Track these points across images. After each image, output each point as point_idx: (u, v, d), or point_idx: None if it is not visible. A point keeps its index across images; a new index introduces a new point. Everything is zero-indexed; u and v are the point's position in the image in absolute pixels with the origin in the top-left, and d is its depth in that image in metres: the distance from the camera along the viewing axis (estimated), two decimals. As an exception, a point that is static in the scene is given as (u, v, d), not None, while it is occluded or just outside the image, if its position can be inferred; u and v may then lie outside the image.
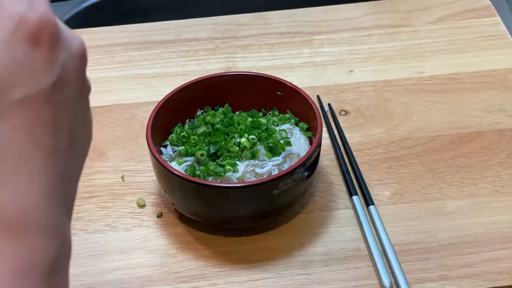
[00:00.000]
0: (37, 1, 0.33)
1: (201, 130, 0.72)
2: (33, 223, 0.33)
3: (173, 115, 0.75)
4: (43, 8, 0.33)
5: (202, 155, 0.70)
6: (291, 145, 0.71)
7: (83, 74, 0.36)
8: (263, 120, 0.74)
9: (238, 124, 0.73)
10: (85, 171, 0.83)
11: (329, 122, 0.84)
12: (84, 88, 0.37)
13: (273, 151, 0.70)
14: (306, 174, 0.69)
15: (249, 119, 0.74)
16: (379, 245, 0.70)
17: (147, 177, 0.78)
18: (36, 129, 0.33)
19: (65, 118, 0.35)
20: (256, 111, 0.76)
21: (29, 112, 0.33)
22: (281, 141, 0.71)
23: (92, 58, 0.94)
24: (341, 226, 0.72)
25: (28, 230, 0.33)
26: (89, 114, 0.38)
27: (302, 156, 0.69)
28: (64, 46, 0.34)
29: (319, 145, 0.70)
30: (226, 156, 0.70)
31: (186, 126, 0.75)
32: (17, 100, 0.32)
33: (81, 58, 0.35)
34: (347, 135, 0.82)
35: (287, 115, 0.76)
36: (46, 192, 0.34)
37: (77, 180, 0.37)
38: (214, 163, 0.69)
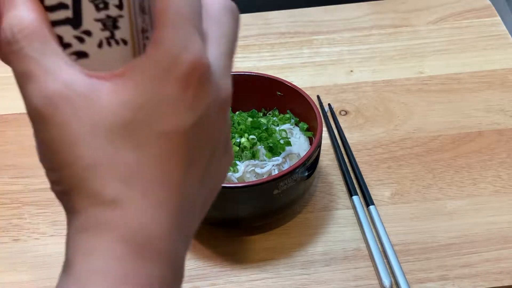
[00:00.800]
0: (194, 43, 0.34)
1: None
2: (155, 250, 0.34)
3: (173, 115, 0.75)
4: (197, 51, 0.34)
5: (202, 155, 0.70)
6: (291, 145, 0.71)
7: (224, 119, 0.37)
8: (263, 120, 0.74)
9: (238, 124, 0.73)
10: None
11: (329, 122, 0.84)
12: (223, 130, 0.38)
13: (273, 151, 0.70)
14: (306, 174, 0.69)
15: (249, 119, 0.74)
16: (379, 245, 0.70)
17: (147, 177, 0.78)
18: (170, 162, 0.34)
19: (200, 157, 0.36)
20: (256, 111, 0.76)
21: (167, 145, 0.34)
22: (281, 141, 0.71)
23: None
24: (341, 226, 0.72)
25: (150, 255, 0.34)
26: (228, 157, 0.39)
27: (302, 156, 0.69)
28: (212, 91, 0.35)
29: (319, 145, 0.70)
30: (226, 156, 0.70)
31: (186, 126, 0.75)
32: (158, 132, 0.34)
33: (226, 104, 0.36)
34: (347, 135, 0.82)
35: (287, 115, 0.76)
36: (170, 223, 0.35)
37: (201, 217, 0.38)
38: (214, 163, 0.69)
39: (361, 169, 0.78)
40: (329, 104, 0.87)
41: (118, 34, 0.36)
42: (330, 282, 0.67)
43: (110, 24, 0.36)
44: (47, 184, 0.76)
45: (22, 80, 0.37)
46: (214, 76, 0.35)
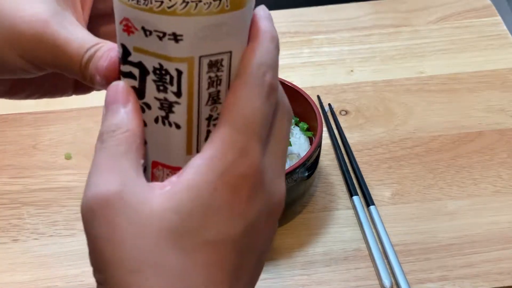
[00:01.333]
0: (252, 150, 0.34)
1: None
2: None
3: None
4: (254, 158, 0.34)
5: (202, 155, 0.70)
6: (291, 145, 0.71)
7: (274, 222, 0.36)
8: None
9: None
10: (85, 171, 0.83)
11: (329, 122, 0.84)
12: (272, 233, 0.37)
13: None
14: (306, 174, 0.68)
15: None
16: (379, 245, 0.69)
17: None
18: (215, 272, 0.34)
19: (247, 265, 0.35)
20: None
21: (213, 255, 0.33)
22: None
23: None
24: (341, 226, 0.72)
25: None
26: (266, 254, 0.38)
27: (302, 156, 0.69)
28: (263, 197, 0.34)
29: (319, 145, 0.70)
30: (226, 156, 0.69)
31: (186, 126, 0.75)
32: (206, 240, 0.33)
33: (277, 208, 0.36)
34: (347, 135, 0.82)
35: (287, 115, 0.76)
36: None
37: None
38: (214, 163, 0.69)
39: (361, 169, 0.78)
40: (329, 104, 0.87)
41: (172, 118, 0.37)
42: (330, 283, 0.67)
43: (167, 106, 0.36)
44: (46, 184, 0.77)
45: (92, 169, 0.39)
46: (267, 181, 0.34)
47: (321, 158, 0.74)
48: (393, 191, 0.75)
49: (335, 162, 0.79)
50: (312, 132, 0.74)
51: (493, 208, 0.73)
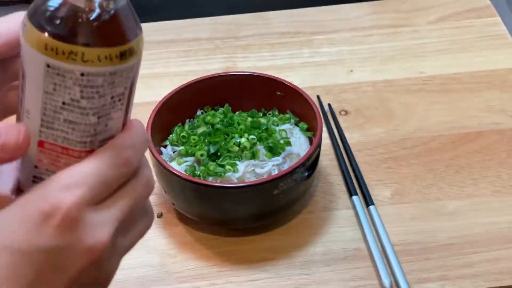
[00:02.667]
0: (75, 186, 0.39)
1: (201, 130, 0.72)
2: None
3: (173, 115, 0.75)
4: (71, 196, 0.39)
5: (202, 155, 0.70)
6: (291, 145, 0.71)
7: (90, 264, 0.41)
8: (263, 120, 0.74)
9: (238, 124, 0.72)
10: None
11: (329, 122, 0.84)
12: (90, 274, 0.41)
13: (273, 151, 0.70)
14: (306, 174, 0.68)
15: (249, 119, 0.74)
16: (379, 245, 0.69)
17: (147, 177, 0.78)
18: (12, 276, 0.39)
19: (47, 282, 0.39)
20: (256, 111, 0.76)
21: (8, 259, 0.39)
22: (281, 141, 0.71)
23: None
24: (341, 226, 0.72)
25: None
26: None
27: (302, 156, 0.69)
28: (74, 233, 0.39)
29: (319, 145, 0.70)
30: (226, 156, 0.70)
31: (186, 126, 0.75)
32: (4, 245, 0.39)
33: (92, 253, 0.40)
34: (347, 135, 0.82)
35: (287, 115, 0.76)
36: None
37: None
38: (214, 163, 0.69)
39: (361, 169, 0.78)
40: (329, 104, 0.87)
41: None
42: (330, 282, 0.67)
43: None
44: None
45: None
46: (85, 223, 0.39)
47: (321, 158, 0.74)
48: (393, 191, 0.76)
49: (335, 162, 0.79)
50: (312, 132, 0.74)
51: (492, 208, 0.73)
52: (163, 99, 0.74)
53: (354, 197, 0.74)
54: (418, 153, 0.80)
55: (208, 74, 0.78)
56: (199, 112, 0.77)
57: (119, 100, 0.47)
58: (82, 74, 0.42)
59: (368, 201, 0.74)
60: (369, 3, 1.04)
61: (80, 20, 0.41)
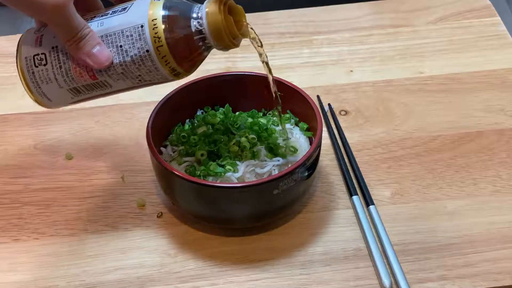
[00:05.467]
0: None
1: (201, 130, 0.72)
2: None
3: (173, 115, 0.75)
4: None
5: (202, 155, 0.70)
6: (297, 153, 0.71)
7: None
8: (263, 120, 0.74)
9: (238, 124, 0.73)
10: (85, 171, 0.83)
11: (329, 122, 0.84)
12: None
13: (274, 151, 0.71)
14: (306, 174, 0.69)
15: (249, 119, 0.74)
16: (379, 245, 0.70)
17: (147, 177, 0.78)
18: None
19: None
20: (256, 111, 0.76)
21: None
22: (285, 149, 0.71)
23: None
24: (341, 226, 0.72)
25: None
26: None
27: (302, 156, 0.69)
28: None
29: (319, 145, 0.70)
30: (226, 156, 0.70)
31: (186, 126, 0.75)
32: None
33: None
34: (347, 135, 0.82)
35: (287, 115, 0.76)
36: None
37: None
38: (214, 163, 0.69)
39: (361, 169, 0.78)
40: (329, 104, 0.87)
41: None
42: (330, 282, 0.67)
43: None
44: (47, 184, 0.77)
45: None
46: None
47: (321, 158, 0.75)
48: (393, 191, 0.76)
49: (335, 162, 0.79)
50: (312, 132, 0.74)
51: (492, 208, 0.73)
52: (163, 99, 0.74)
53: (354, 197, 0.74)
54: (418, 153, 0.80)
55: (208, 74, 0.78)
56: (199, 112, 0.77)
57: (140, 80, 0.62)
58: (147, 51, 0.58)
59: (368, 201, 0.74)
60: (369, 3, 1.04)
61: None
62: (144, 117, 0.84)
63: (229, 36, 0.60)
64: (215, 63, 0.94)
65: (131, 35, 0.58)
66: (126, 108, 0.87)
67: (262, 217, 0.71)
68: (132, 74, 0.60)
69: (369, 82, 0.90)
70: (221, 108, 0.77)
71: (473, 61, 0.93)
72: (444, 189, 0.76)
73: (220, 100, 0.78)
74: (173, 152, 0.73)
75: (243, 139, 0.70)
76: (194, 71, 0.62)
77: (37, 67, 0.61)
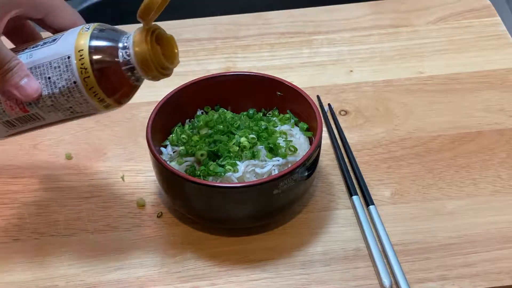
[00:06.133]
0: None
1: (203, 132, 0.72)
2: None
3: (173, 115, 0.75)
4: None
5: (202, 155, 0.70)
6: (297, 152, 0.71)
7: None
8: (263, 122, 0.74)
9: (238, 124, 0.73)
10: (85, 171, 0.83)
11: (329, 122, 0.84)
12: None
13: (274, 151, 0.70)
14: (306, 174, 0.69)
15: (249, 119, 0.74)
16: (379, 245, 0.70)
17: (147, 177, 0.78)
18: None
19: None
20: (256, 111, 0.76)
21: None
22: (286, 149, 0.71)
23: (92, 58, 0.94)
24: (341, 226, 0.72)
25: None
26: None
27: (302, 156, 0.69)
28: None
29: (319, 145, 0.70)
30: (226, 156, 0.70)
31: (186, 126, 0.75)
32: None
33: None
34: (347, 135, 0.82)
35: (287, 115, 0.76)
36: None
37: None
38: (214, 163, 0.69)
39: (361, 169, 0.78)
40: (329, 104, 0.87)
41: None
42: (330, 282, 0.67)
43: None
44: (47, 184, 0.77)
45: None
46: None
47: (321, 158, 0.75)
48: (393, 191, 0.76)
49: (335, 162, 0.79)
50: (311, 132, 0.74)
51: (492, 208, 0.73)
52: (163, 99, 0.74)
53: (354, 197, 0.74)
54: (418, 153, 0.80)
55: (208, 74, 0.78)
56: (199, 112, 0.77)
57: (71, 112, 0.61)
58: (75, 83, 0.57)
59: (368, 201, 0.74)
60: (369, 3, 1.04)
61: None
62: (144, 117, 0.84)
63: (157, 67, 0.59)
64: (215, 63, 0.94)
65: (59, 67, 0.57)
66: (126, 108, 0.87)
67: (262, 217, 0.71)
68: (63, 106, 0.59)
69: (369, 82, 0.90)
70: (221, 108, 0.77)
71: (473, 61, 0.93)
72: (444, 189, 0.76)
73: (220, 100, 0.78)
74: (173, 152, 0.73)
75: (243, 139, 0.70)
76: (126, 102, 0.61)
77: None
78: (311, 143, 0.73)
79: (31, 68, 0.58)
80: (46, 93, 0.58)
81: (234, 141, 0.70)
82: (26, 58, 0.59)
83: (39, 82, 0.58)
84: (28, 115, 0.60)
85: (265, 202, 0.68)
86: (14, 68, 0.58)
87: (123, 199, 0.76)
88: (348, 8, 1.03)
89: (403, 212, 0.73)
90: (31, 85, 0.58)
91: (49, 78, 0.57)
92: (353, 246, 0.70)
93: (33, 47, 0.60)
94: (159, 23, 1.00)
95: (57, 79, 0.57)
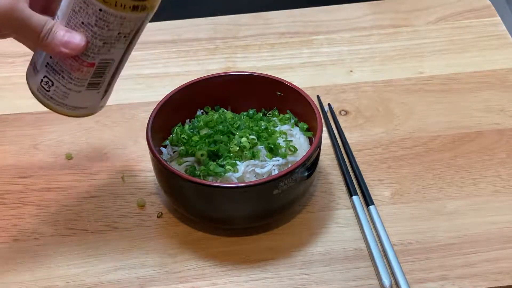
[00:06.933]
0: None
1: (203, 132, 0.72)
2: None
3: (173, 115, 0.75)
4: None
5: (202, 155, 0.70)
6: (297, 152, 0.71)
7: None
8: (263, 122, 0.74)
9: (238, 124, 0.73)
10: (85, 171, 0.83)
11: (329, 122, 0.84)
12: None
13: (274, 151, 0.70)
14: (306, 174, 0.69)
15: (249, 119, 0.74)
16: (379, 245, 0.70)
17: (147, 177, 0.78)
18: None
19: None
20: (256, 111, 0.76)
21: None
22: (282, 144, 0.71)
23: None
24: (341, 226, 0.72)
25: None
26: None
27: (302, 156, 0.69)
28: None
29: (319, 145, 0.70)
30: (226, 156, 0.70)
31: (186, 126, 0.75)
32: None
33: None
34: (347, 135, 0.82)
35: (287, 115, 0.76)
36: None
37: None
38: (214, 163, 0.69)
39: (361, 169, 0.78)
40: (329, 104, 0.87)
41: None
42: (330, 282, 0.67)
43: None
44: (47, 184, 0.77)
45: None
46: None
47: (321, 158, 0.75)
48: (393, 191, 0.76)
49: (335, 162, 0.79)
50: (312, 132, 0.74)
51: (492, 208, 0.73)
52: (163, 99, 0.74)
53: (354, 197, 0.74)
54: (418, 153, 0.80)
55: (208, 74, 0.78)
56: (199, 112, 0.77)
57: (124, 37, 0.61)
58: (100, 10, 0.58)
59: (368, 201, 0.74)
60: (369, 3, 1.04)
61: None
62: (144, 117, 0.84)
63: None
64: (215, 63, 0.94)
65: (80, 7, 0.59)
66: (126, 108, 0.87)
67: (262, 217, 0.71)
68: (113, 37, 0.60)
69: (369, 82, 0.90)
70: (221, 108, 0.77)
71: (473, 61, 0.93)
72: (444, 189, 0.76)
73: (220, 100, 0.78)
74: (173, 152, 0.73)
75: (243, 139, 0.70)
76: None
77: (49, 91, 0.62)
78: (311, 143, 0.73)
79: (65, 25, 0.60)
80: (91, 36, 0.59)
81: (234, 141, 0.70)
82: (56, 20, 0.61)
83: (79, 31, 0.59)
84: (97, 66, 0.62)
85: (265, 202, 0.68)
86: (52, 29, 0.59)
87: (123, 199, 0.76)
88: (348, 8, 1.03)
89: (403, 212, 0.73)
90: (74, 37, 0.59)
91: (82, 23, 0.59)
92: (353, 246, 0.70)
93: (56, 9, 0.62)
94: (159, 23, 1.00)
95: (88, 18, 0.59)
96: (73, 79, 0.62)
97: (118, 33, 0.60)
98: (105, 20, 0.59)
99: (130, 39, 0.62)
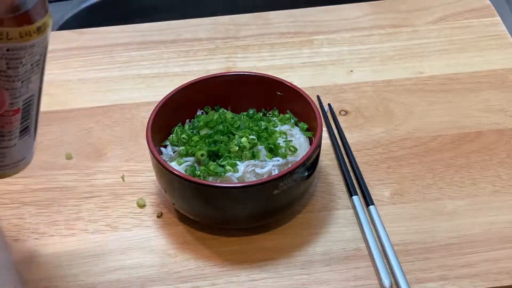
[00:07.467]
0: None
1: (203, 132, 0.72)
2: None
3: (173, 115, 0.75)
4: None
5: (202, 155, 0.70)
6: (297, 152, 0.71)
7: None
8: (263, 122, 0.74)
9: (238, 124, 0.73)
10: (85, 171, 0.83)
11: (329, 122, 0.84)
12: None
13: (274, 151, 0.71)
14: (306, 174, 0.69)
15: (249, 119, 0.74)
16: (379, 245, 0.70)
17: (147, 177, 0.78)
18: None
19: None
20: (256, 111, 0.76)
21: None
22: (286, 149, 0.71)
23: (92, 58, 0.94)
24: (341, 226, 0.72)
25: None
26: None
27: (302, 156, 0.69)
28: None
29: (319, 145, 0.70)
30: (226, 156, 0.70)
31: (186, 126, 0.75)
32: None
33: None
34: (347, 135, 0.82)
35: (287, 115, 0.76)
36: None
37: None
38: (214, 163, 0.69)
39: (361, 169, 0.78)
40: (329, 104, 0.87)
41: None
42: (330, 282, 0.67)
43: None
44: (47, 184, 0.77)
45: None
46: None
47: (321, 158, 0.75)
48: (393, 191, 0.76)
49: (335, 162, 0.79)
50: (311, 132, 0.74)
51: (492, 208, 0.73)
52: (163, 99, 0.74)
53: (354, 197, 0.74)
54: (418, 153, 0.80)
55: (208, 74, 0.78)
56: (199, 112, 0.77)
57: (37, 65, 0.54)
58: (8, 50, 0.50)
59: (368, 201, 0.74)
60: (369, 3, 1.04)
61: (4, 9, 0.49)
62: (144, 117, 0.85)
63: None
64: (215, 63, 0.94)
65: None
66: (126, 108, 0.87)
67: (262, 217, 0.71)
68: (28, 72, 0.54)
69: (369, 82, 0.90)
70: (221, 108, 0.77)
71: (473, 61, 0.93)
72: (444, 189, 0.76)
73: (220, 100, 0.78)
74: (173, 152, 0.73)
75: (243, 139, 0.70)
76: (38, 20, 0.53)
77: None
78: (311, 143, 0.73)
79: None
80: (7, 82, 0.53)
81: (234, 141, 0.70)
82: None
83: None
84: (22, 109, 0.56)
85: (265, 202, 0.68)
86: None
87: (123, 199, 0.76)
88: (348, 8, 1.04)
89: (403, 212, 0.73)
90: None
91: None
92: (353, 246, 0.70)
93: None
94: (159, 23, 1.01)
95: None
96: (5, 135, 0.57)
97: (31, 65, 0.54)
98: (16, 58, 0.53)
99: (41, 65, 0.56)
